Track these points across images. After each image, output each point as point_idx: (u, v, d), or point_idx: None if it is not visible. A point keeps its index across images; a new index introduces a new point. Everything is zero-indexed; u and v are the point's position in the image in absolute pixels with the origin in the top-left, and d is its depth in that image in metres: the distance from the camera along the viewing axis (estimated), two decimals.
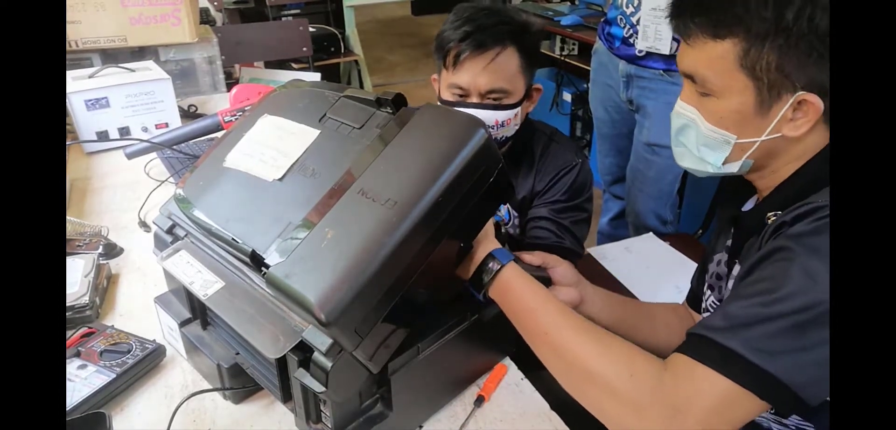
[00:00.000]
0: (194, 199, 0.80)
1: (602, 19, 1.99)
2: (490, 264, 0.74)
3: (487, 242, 0.76)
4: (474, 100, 1.18)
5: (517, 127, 1.23)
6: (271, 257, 0.65)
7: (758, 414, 0.63)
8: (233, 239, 0.72)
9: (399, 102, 0.74)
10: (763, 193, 0.78)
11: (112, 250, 1.14)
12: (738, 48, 0.68)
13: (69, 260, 1.03)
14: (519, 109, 1.20)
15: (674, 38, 1.70)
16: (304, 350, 0.65)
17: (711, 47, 0.70)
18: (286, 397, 0.72)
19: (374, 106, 0.76)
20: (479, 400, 0.82)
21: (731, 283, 0.81)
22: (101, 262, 1.07)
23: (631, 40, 1.79)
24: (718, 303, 0.87)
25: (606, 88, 1.97)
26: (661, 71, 1.76)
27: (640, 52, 1.76)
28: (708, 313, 0.91)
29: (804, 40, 0.65)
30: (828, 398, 0.63)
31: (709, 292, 0.89)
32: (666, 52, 1.73)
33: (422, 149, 0.67)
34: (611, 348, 0.67)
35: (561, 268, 0.91)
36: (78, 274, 1.00)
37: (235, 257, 0.74)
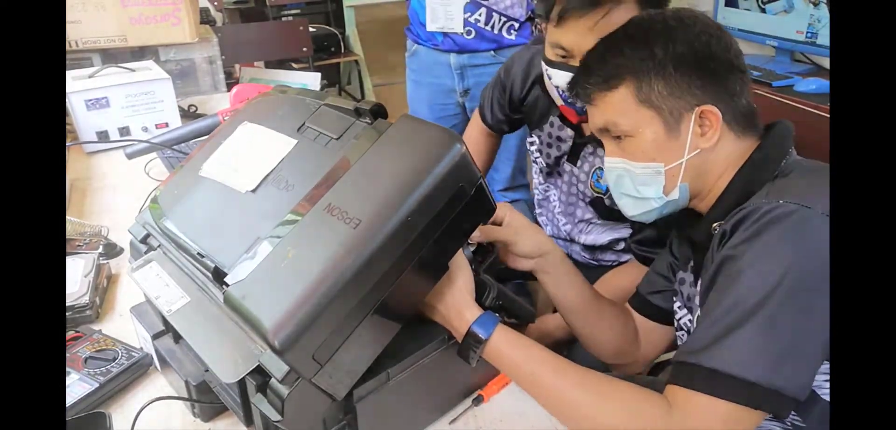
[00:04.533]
0: (167, 208, 0.78)
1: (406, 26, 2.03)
2: (474, 339, 0.73)
3: (466, 309, 0.74)
4: (576, 62, 1.00)
5: None
6: (232, 276, 0.63)
7: (761, 421, 0.66)
8: (198, 253, 0.70)
9: (377, 112, 0.72)
10: (706, 212, 0.83)
11: (112, 250, 1.14)
12: (631, 88, 0.78)
13: (69, 260, 1.03)
14: None
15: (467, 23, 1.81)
16: (263, 374, 0.63)
17: (610, 97, 0.80)
18: (248, 420, 0.70)
19: (353, 116, 0.74)
20: (479, 400, 0.82)
21: (697, 300, 0.82)
22: (101, 262, 1.07)
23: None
24: (691, 322, 0.89)
25: (432, 87, 1.99)
26: (493, 52, 1.81)
27: (469, 33, 1.82)
28: (681, 332, 0.92)
29: (680, 65, 0.76)
30: (814, 389, 0.69)
31: (685, 312, 0.90)
32: (459, 30, 1.82)
33: (393, 164, 0.65)
34: (615, 400, 0.70)
35: (512, 227, 0.89)
36: (78, 274, 1.00)
37: (201, 272, 0.71)
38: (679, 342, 0.94)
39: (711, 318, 0.67)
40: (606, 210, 1.29)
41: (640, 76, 0.78)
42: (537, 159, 1.41)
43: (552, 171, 1.38)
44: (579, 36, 1.00)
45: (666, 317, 0.98)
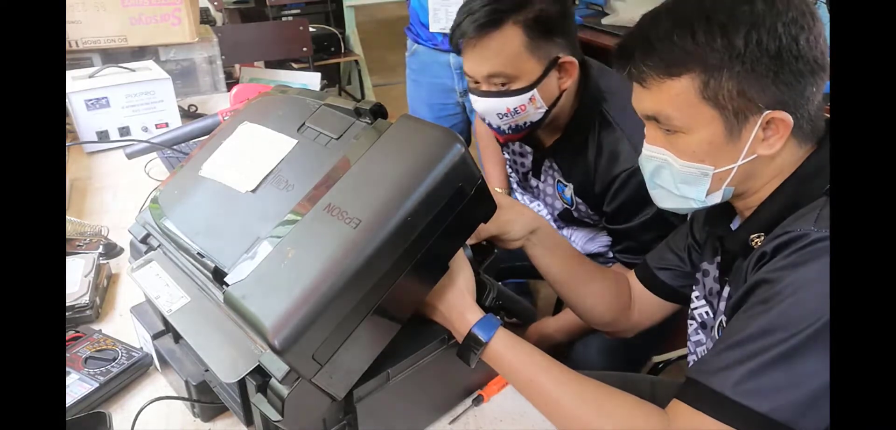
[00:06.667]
0: (167, 208, 0.79)
1: (406, 26, 2.04)
2: (475, 342, 0.72)
3: (467, 310, 0.73)
4: (483, 87, 1.10)
5: (544, 110, 1.11)
6: (232, 276, 0.63)
7: None
8: (198, 253, 0.70)
9: (377, 112, 0.72)
10: (744, 214, 0.78)
11: (112, 250, 1.14)
12: (696, 82, 0.68)
13: (69, 260, 1.03)
14: (534, 92, 1.08)
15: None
16: (263, 374, 0.63)
17: (669, 86, 0.69)
18: (249, 420, 0.70)
19: (353, 116, 0.74)
20: (479, 400, 0.82)
21: (722, 304, 0.81)
22: (101, 262, 1.07)
23: None
24: (710, 315, 0.88)
25: (432, 86, 2.00)
26: None
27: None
28: (693, 322, 0.91)
29: (759, 63, 0.66)
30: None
31: (704, 304, 0.89)
32: None
33: (393, 164, 0.65)
34: (613, 414, 0.68)
35: (502, 217, 0.87)
36: (78, 274, 1.00)
37: (201, 272, 0.71)
38: (689, 329, 0.92)
39: (734, 340, 0.64)
40: (575, 221, 1.31)
41: (710, 70, 0.67)
42: (510, 174, 1.44)
43: (523, 185, 1.40)
44: (473, 62, 1.09)
45: (668, 293, 0.96)
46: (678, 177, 0.75)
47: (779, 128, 0.69)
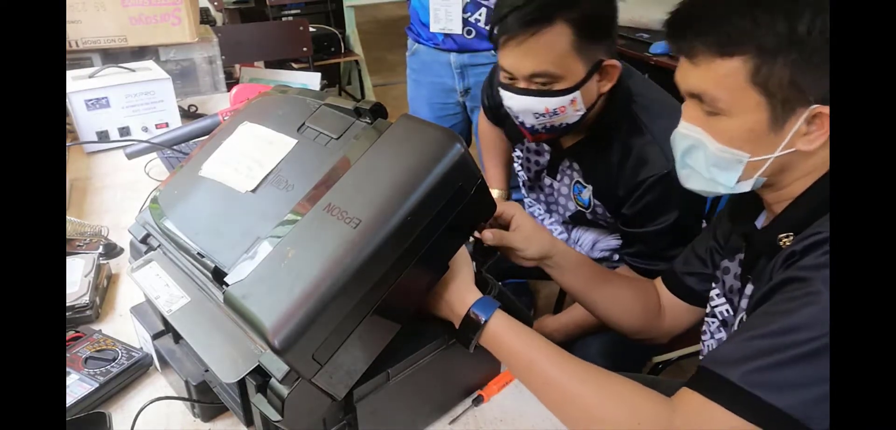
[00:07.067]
0: (167, 208, 0.79)
1: (407, 25, 2.04)
2: (473, 321, 0.71)
3: (467, 292, 0.73)
4: (521, 85, 1.06)
5: (582, 112, 1.08)
6: (232, 276, 0.63)
7: None
8: (198, 253, 0.70)
9: (377, 111, 0.72)
10: (773, 209, 0.76)
11: (112, 250, 1.14)
12: (749, 65, 0.65)
13: (69, 260, 1.03)
14: (577, 94, 1.04)
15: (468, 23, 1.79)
16: (263, 374, 0.63)
17: (719, 65, 0.67)
18: (249, 420, 0.70)
19: (353, 115, 0.74)
20: (479, 400, 0.82)
21: (744, 302, 0.80)
22: (101, 262, 1.07)
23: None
24: (730, 313, 0.87)
25: (433, 86, 2.00)
26: (493, 52, 1.87)
27: (469, 33, 1.82)
28: (713, 319, 0.90)
29: (818, 53, 0.63)
30: None
31: (723, 301, 0.88)
32: (458, 31, 1.82)
33: (392, 164, 0.65)
34: (615, 394, 0.67)
35: (522, 233, 0.87)
36: (78, 274, 1.00)
37: (201, 272, 0.71)
38: (706, 326, 0.92)
39: (756, 333, 0.63)
40: (585, 223, 1.30)
41: (765, 54, 0.64)
42: (519, 172, 1.42)
43: (533, 185, 1.38)
44: (516, 58, 1.03)
45: (696, 298, 0.96)
46: (711, 160, 0.72)
47: (823, 124, 0.66)
